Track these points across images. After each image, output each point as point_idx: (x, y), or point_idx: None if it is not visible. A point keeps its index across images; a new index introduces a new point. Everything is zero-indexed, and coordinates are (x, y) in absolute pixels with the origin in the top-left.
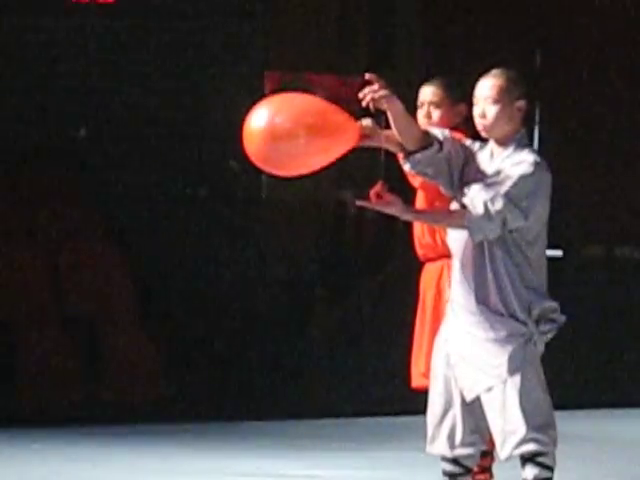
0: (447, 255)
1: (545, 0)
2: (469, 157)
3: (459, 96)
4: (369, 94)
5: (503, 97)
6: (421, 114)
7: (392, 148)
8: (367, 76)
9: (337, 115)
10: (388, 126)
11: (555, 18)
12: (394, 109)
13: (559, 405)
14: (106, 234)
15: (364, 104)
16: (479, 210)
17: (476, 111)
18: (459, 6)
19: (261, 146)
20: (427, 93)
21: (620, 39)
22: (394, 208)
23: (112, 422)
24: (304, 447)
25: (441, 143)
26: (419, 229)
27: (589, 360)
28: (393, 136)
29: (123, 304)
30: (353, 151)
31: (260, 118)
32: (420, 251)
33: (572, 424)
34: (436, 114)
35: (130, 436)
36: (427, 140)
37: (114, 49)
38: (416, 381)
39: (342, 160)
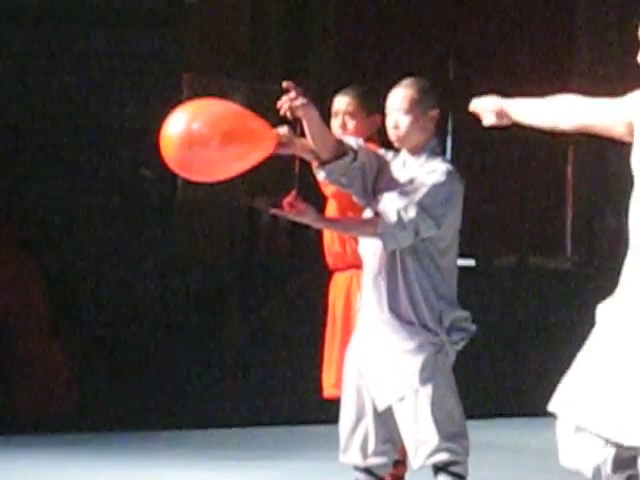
0: (357, 265)
1: (458, 9)
2: (383, 166)
3: (373, 106)
4: (286, 102)
5: (415, 107)
6: (336, 124)
7: (307, 156)
8: (284, 84)
9: (254, 122)
10: (303, 134)
11: (468, 27)
12: (310, 117)
13: (471, 414)
14: (18, 243)
15: (281, 112)
16: (392, 218)
17: (389, 122)
18: (373, 16)
19: (178, 152)
20: (342, 103)
21: (533, 48)
22: (306, 217)
23: (26, 432)
24: (216, 456)
25: (355, 152)
26: (329, 238)
27: (501, 369)
28: (308, 144)
29: (36, 314)
30: (268, 159)
31: (177, 124)
32: (330, 260)
33: (484, 433)
34: (351, 124)
35: (45, 446)
36: (341, 149)
37: (24, 55)
38: (327, 391)
39: (257, 168)
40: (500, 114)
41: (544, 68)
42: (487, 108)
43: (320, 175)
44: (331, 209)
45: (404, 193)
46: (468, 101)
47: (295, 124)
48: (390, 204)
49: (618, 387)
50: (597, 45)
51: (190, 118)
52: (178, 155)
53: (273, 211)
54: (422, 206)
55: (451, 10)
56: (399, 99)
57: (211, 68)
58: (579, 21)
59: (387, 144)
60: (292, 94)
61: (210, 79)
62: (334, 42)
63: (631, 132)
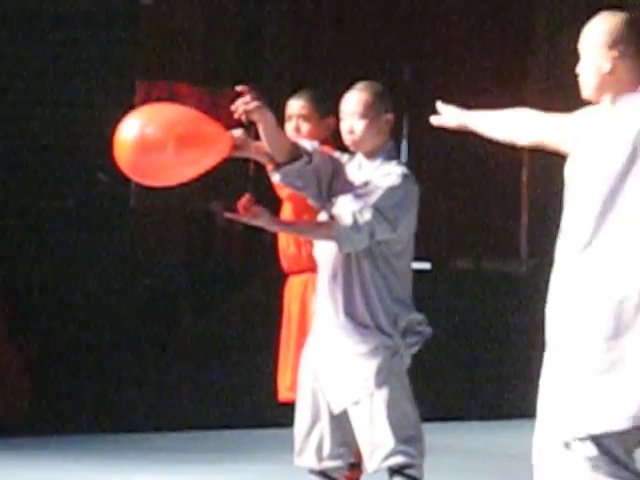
0: (312, 268)
1: (414, 13)
2: (338, 169)
3: (327, 110)
4: (241, 105)
5: (369, 111)
6: (290, 127)
7: (262, 159)
8: (239, 88)
9: (208, 126)
10: (258, 137)
11: (424, 31)
12: (265, 121)
13: (427, 417)
14: None
15: (236, 115)
16: (347, 221)
17: (344, 126)
18: (328, 19)
19: (132, 156)
20: (295, 106)
21: (491, 53)
22: (261, 220)
23: None
24: (171, 460)
25: (310, 155)
26: (284, 241)
27: (456, 372)
28: (263, 147)
29: None
30: (223, 162)
31: (131, 128)
32: (285, 263)
33: (441, 436)
34: (305, 127)
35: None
36: (296, 152)
37: None
38: (283, 394)
39: (211, 171)
40: (460, 129)
41: (500, 72)
42: (448, 124)
43: (275, 178)
44: (286, 212)
45: (359, 196)
46: (423, 105)
47: (250, 127)
48: (345, 207)
49: (584, 380)
50: (553, 50)
51: (144, 123)
52: (132, 160)
53: (227, 215)
54: (377, 209)
55: (406, 14)
56: (353, 103)
57: (165, 72)
58: (535, 26)
59: (342, 147)
60: (246, 97)
61: (164, 83)
62: (288, 46)
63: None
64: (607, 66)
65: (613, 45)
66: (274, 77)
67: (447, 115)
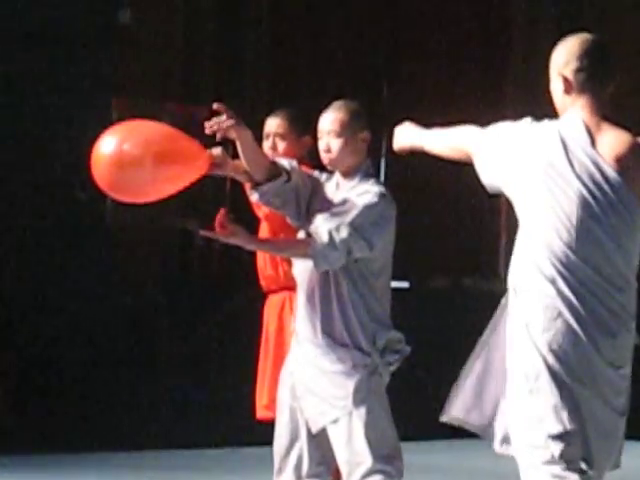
0: (290, 287)
1: (392, 32)
2: (316, 188)
3: (304, 128)
4: (218, 123)
5: (346, 130)
6: (267, 146)
7: (240, 178)
8: (215, 106)
9: (187, 143)
10: (236, 156)
11: (402, 50)
12: (243, 139)
13: (406, 436)
14: None
15: (209, 132)
16: (324, 239)
17: (321, 145)
18: (307, 37)
19: (109, 173)
20: (273, 125)
21: (467, 70)
22: (238, 238)
23: None
24: (148, 478)
25: (289, 174)
26: (262, 260)
27: (434, 391)
28: (241, 166)
29: None
30: (200, 180)
31: (108, 145)
32: (263, 282)
33: (419, 455)
34: (282, 146)
35: None
36: (275, 170)
37: None
38: (260, 413)
39: (188, 189)
40: (414, 151)
41: (477, 90)
42: (401, 148)
43: (254, 196)
44: (264, 231)
45: (336, 214)
46: (402, 123)
47: (228, 145)
48: (322, 225)
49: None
50: (530, 70)
51: (121, 139)
52: (110, 176)
53: (204, 233)
54: (354, 227)
55: (385, 33)
56: (330, 122)
57: (144, 89)
58: (513, 44)
59: (319, 166)
60: (223, 115)
61: (143, 100)
62: (267, 64)
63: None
64: (561, 87)
65: (565, 66)
66: (252, 95)
67: (403, 140)
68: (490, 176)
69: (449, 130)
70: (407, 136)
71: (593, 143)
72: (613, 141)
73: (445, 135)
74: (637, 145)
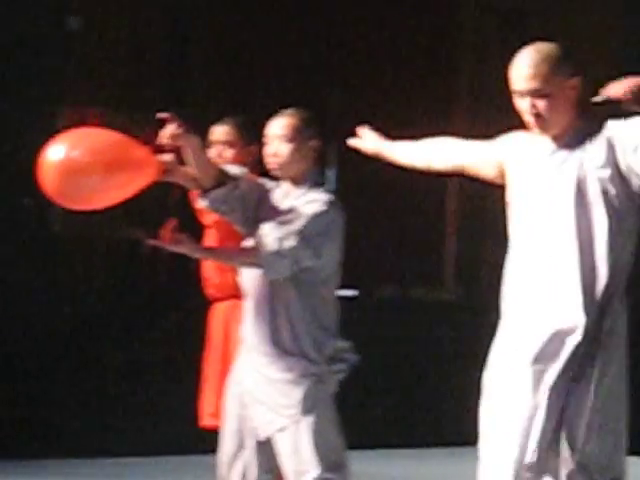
0: (236, 295)
1: (341, 40)
2: (264, 195)
3: (251, 137)
4: (166, 131)
5: (296, 136)
6: (213, 153)
7: (189, 185)
8: (162, 115)
9: (136, 150)
10: (184, 163)
11: (352, 59)
12: (191, 146)
13: (354, 445)
14: None
15: (161, 141)
16: (271, 247)
17: (268, 150)
18: (254, 46)
19: (57, 180)
20: (219, 133)
21: (417, 80)
22: (184, 247)
23: None
24: None
25: (237, 181)
26: (208, 269)
27: (381, 400)
28: (190, 172)
29: None
30: (149, 187)
31: (56, 152)
32: (209, 291)
33: (366, 464)
34: (228, 154)
35: None
36: (223, 177)
37: None
38: (205, 421)
39: (135, 197)
40: (376, 156)
41: (426, 99)
42: (365, 150)
43: (202, 203)
44: (210, 239)
45: (284, 222)
46: (352, 133)
47: (176, 152)
48: (269, 233)
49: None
50: (479, 81)
51: (69, 146)
52: (58, 184)
53: (151, 241)
54: (301, 235)
55: (334, 41)
56: (280, 127)
57: (91, 97)
58: (462, 53)
59: (265, 174)
60: (171, 123)
61: (90, 108)
62: (214, 72)
63: (501, 174)
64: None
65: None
66: (200, 103)
67: (366, 139)
68: None
69: (435, 140)
70: (373, 139)
71: None
72: None
73: (429, 145)
74: None
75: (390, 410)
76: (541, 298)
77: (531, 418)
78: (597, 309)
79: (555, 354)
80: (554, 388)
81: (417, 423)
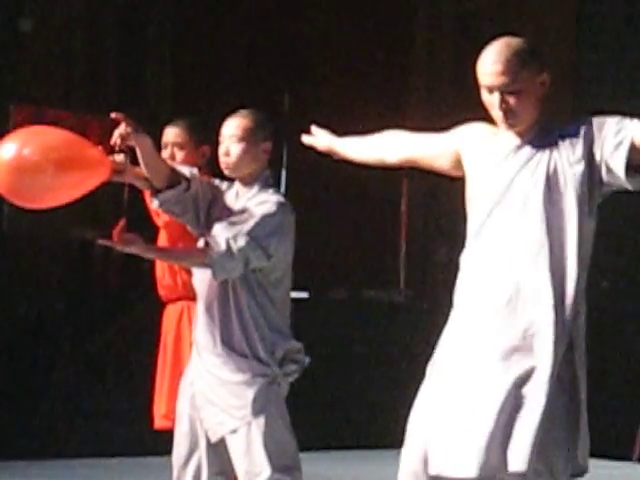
0: (188, 297)
1: (293, 42)
2: (216, 196)
3: (203, 138)
4: (118, 131)
5: (249, 137)
6: (165, 154)
7: (140, 185)
8: (113, 115)
9: (88, 149)
10: (136, 163)
11: (304, 61)
12: (143, 146)
13: (306, 446)
14: None
15: (112, 141)
16: (221, 248)
17: (221, 149)
18: (209, 47)
19: (9, 178)
20: (171, 134)
21: (369, 80)
22: (135, 247)
23: None
24: None
25: (189, 181)
26: (160, 270)
27: (334, 401)
28: (142, 173)
29: None
30: (100, 187)
31: (8, 150)
32: (161, 292)
33: (318, 465)
34: (179, 155)
35: None
36: (175, 178)
37: None
38: (158, 422)
39: (87, 196)
40: (330, 152)
41: (379, 100)
42: (319, 146)
43: (154, 204)
44: (163, 239)
45: (234, 223)
46: (303, 134)
47: (128, 152)
48: (219, 234)
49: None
50: (432, 79)
51: (22, 145)
52: (9, 181)
53: (102, 241)
54: (252, 236)
55: (286, 43)
56: (233, 127)
57: (44, 97)
58: (415, 55)
59: (218, 175)
60: (123, 123)
61: (43, 108)
62: (169, 72)
63: (458, 165)
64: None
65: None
66: (154, 103)
67: (318, 137)
68: None
69: (385, 134)
70: (326, 137)
71: None
72: None
73: (381, 139)
74: None
75: (342, 411)
76: (506, 297)
77: (488, 413)
78: (569, 308)
79: (526, 352)
80: (517, 386)
81: (369, 424)
